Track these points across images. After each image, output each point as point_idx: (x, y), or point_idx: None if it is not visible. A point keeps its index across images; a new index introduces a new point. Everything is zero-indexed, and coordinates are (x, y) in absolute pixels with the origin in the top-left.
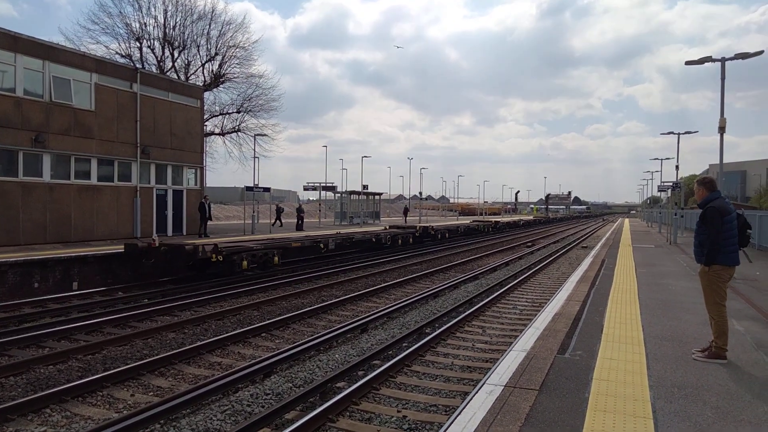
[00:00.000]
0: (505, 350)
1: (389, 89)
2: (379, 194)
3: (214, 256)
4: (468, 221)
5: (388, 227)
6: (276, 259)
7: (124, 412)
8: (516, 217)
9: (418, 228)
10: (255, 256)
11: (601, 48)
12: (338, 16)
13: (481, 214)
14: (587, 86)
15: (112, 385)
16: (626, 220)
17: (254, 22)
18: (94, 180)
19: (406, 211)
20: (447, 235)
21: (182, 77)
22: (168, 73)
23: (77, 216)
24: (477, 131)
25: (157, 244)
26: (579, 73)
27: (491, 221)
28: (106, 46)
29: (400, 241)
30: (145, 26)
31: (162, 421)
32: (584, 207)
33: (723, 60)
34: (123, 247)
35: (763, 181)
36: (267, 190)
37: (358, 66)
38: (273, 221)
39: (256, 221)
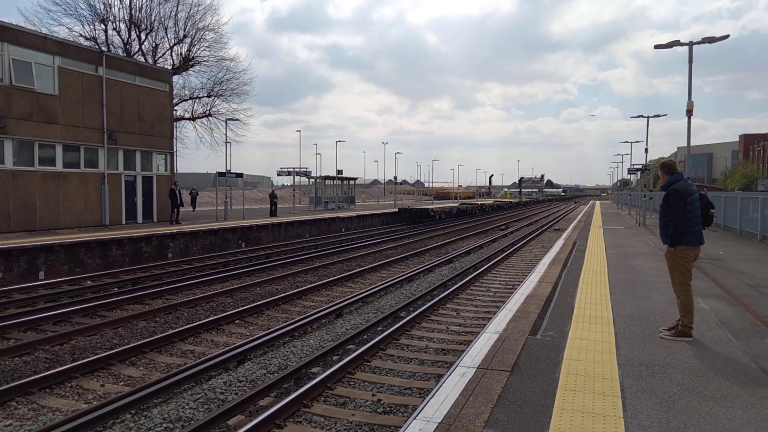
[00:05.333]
0: (479, 332)
1: (368, 74)
2: (354, 179)
3: (432, 213)
4: (491, 201)
5: (460, 203)
6: (443, 215)
7: (94, 402)
8: (516, 199)
9: (479, 204)
10: (440, 214)
11: (579, 33)
12: None
13: (455, 198)
14: (563, 71)
15: (81, 375)
16: (597, 203)
17: (232, 5)
18: (59, 167)
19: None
20: (489, 209)
21: (150, 60)
22: (135, 56)
23: (42, 204)
24: (455, 115)
25: (410, 209)
26: (556, 58)
27: (508, 201)
28: (69, 28)
29: (475, 211)
30: (110, 7)
31: (133, 411)
32: (559, 189)
33: (690, 44)
34: (396, 209)
35: (729, 163)
36: (240, 175)
37: (337, 50)
38: (192, 207)
39: (229, 207)
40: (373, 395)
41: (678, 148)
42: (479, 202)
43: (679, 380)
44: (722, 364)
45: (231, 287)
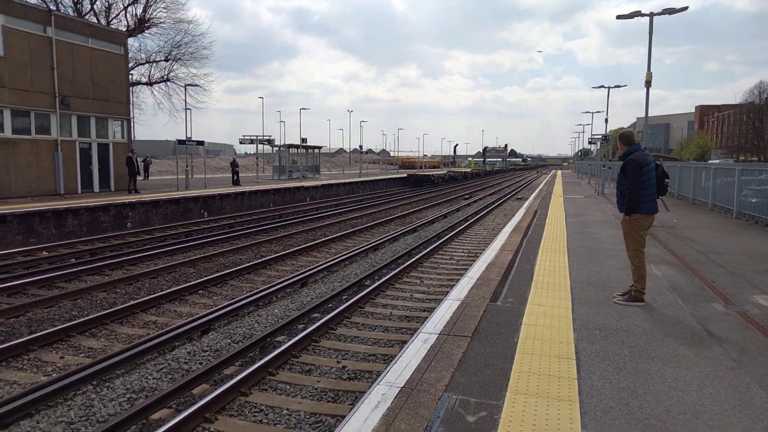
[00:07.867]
0: (442, 299)
1: (335, 39)
2: (319, 148)
3: (432, 177)
4: (470, 170)
5: (448, 171)
6: (439, 180)
7: (54, 375)
8: (498, 167)
9: (465, 172)
10: (439, 179)
11: (546, 1)
12: None
13: (420, 167)
14: (530, 40)
15: (39, 348)
16: (559, 172)
17: None
18: (8, 133)
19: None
20: (470, 176)
21: (102, 21)
22: (87, 17)
23: None
24: (422, 83)
25: (416, 175)
26: (523, 27)
27: (486, 169)
28: None
29: (460, 177)
30: None
31: (95, 383)
32: (519, 159)
33: (651, 15)
34: (406, 174)
35: (685, 133)
36: (201, 143)
37: (303, 14)
38: (144, 176)
39: (190, 176)
40: (338, 362)
41: (637, 118)
42: (462, 170)
43: (631, 343)
44: (671, 327)
45: (194, 257)
